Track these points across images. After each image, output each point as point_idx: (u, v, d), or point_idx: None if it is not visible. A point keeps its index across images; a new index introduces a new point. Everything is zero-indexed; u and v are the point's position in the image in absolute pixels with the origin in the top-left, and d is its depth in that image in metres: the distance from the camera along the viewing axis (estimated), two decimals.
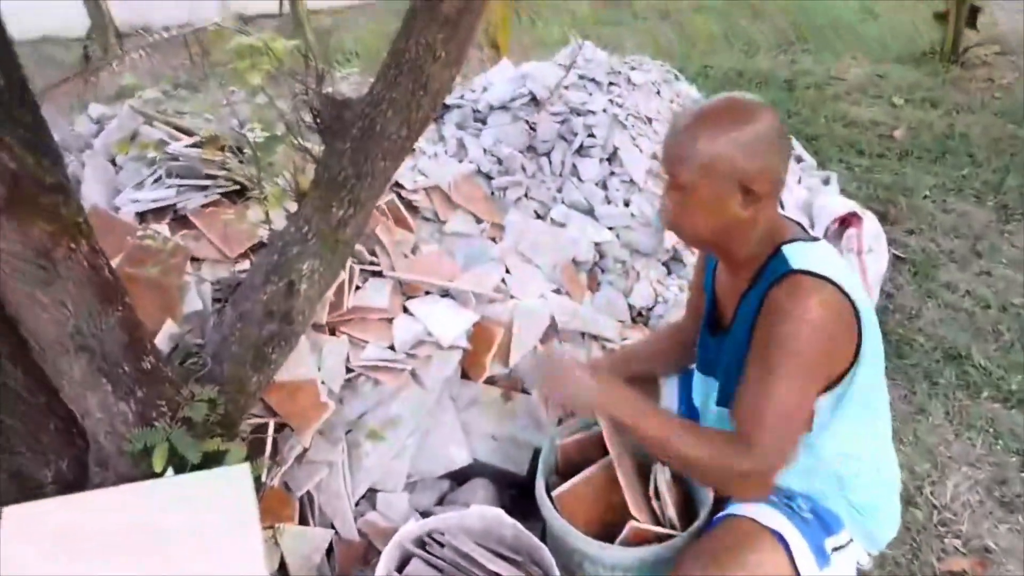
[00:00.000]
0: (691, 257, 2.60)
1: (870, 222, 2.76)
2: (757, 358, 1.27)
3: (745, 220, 1.30)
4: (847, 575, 1.39)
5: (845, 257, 2.57)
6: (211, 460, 1.41)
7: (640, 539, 1.53)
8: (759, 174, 1.26)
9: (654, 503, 1.62)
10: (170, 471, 1.36)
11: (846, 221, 2.72)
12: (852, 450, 1.38)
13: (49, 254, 1.17)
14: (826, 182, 3.35)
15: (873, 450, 1.43)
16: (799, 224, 1.42)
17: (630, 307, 2.53)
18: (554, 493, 1.63)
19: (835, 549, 1.35)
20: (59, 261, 1.19)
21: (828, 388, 1.31)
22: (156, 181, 2.15)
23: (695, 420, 1.61)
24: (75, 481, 1.45)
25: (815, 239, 1.38)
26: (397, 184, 2.53)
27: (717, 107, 1.31)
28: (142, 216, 2.07)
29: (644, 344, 1.96)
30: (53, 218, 1.15)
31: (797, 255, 1.28)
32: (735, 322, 1.40)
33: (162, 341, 1.66)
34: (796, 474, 1.37)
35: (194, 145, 2.18)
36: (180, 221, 2.07)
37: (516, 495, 1.93)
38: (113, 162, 2.33)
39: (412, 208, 2.54)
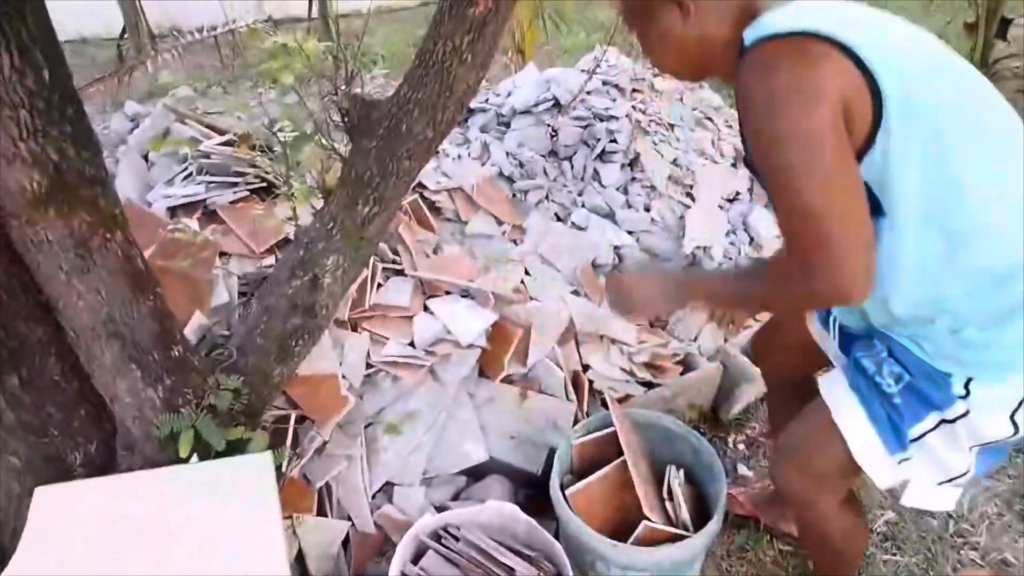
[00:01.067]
0: (710, 262, 2.61)
1: None
2: (765, 168, 1.06)
3: (695, 34, 1.15)
4: (966, 449, 1.21)
5: None
6: (234, 448, 1.45)
7: (653, 539, 1.55)
8: None
9: (667, 504, 1.64)
10: (195, 457, 1.40)
11: None
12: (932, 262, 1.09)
13: (87, 243, 1.21)
14: None
15: (985, 247, 1.09)
16: None
17: None
18: (568, 492, 1.65)
19: (929, 431, 1.21)
20: (95, 250, 1.23)
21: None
22: (187, 177, 2.21)
23: None
24: (103, 465, 1.49)
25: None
26: (420, 185, 2.56)
27: None
28: (173, 211, 2.13)
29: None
30: (92, 209, 1.19)
31: (757, 30, 1.08)
32: None
33: (190, 332, 1.71)
34: (885, 307, 1.17)
35: (225, 143, 2.23)
36: (209, 216, 2.12)
37: (530, 494, 1.95)
38: (146, 158, 2.39)
39: (434, 209, 2.58)
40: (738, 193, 2.83)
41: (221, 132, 2.37)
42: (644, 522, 1.54)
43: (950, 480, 1.27)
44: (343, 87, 1.52)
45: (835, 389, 1.30)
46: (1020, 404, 1.17)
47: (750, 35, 1.09)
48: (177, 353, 1.43)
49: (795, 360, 1.60)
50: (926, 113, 1.03)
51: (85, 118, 1.18)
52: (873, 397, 1.25)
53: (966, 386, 1.17)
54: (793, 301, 1.19)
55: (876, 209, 1.07)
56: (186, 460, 1.38)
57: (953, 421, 1.19)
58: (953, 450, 1.22)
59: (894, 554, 1.85)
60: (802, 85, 0.99)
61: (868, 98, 1.01)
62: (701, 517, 1.64)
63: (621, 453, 1.69)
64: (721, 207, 2.77)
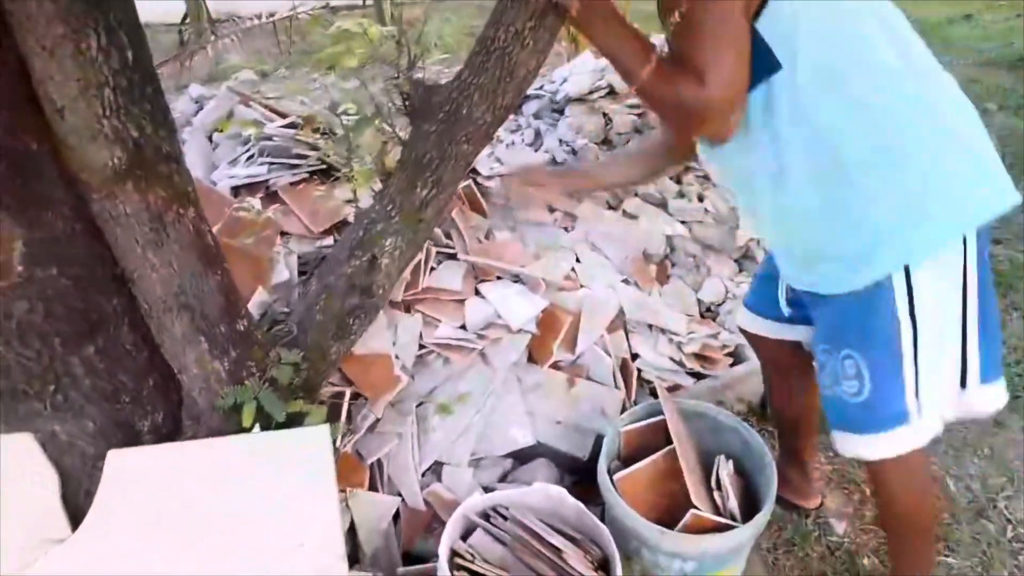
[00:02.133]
0: (763, 254, 2.57)
1: None
2: (680, 23, 1.15)
3: None
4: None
5: None
6: (293, 420, 1.50)
7: (700, 528, 1.55)
8: None
9: (715, 494, 1.63)
10: (256, 428, 1.45)
11: None
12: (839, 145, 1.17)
13: (161, 218, 1.27)
14: None
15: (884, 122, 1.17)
16: None
17: (699, 302, 2.53)
18: (616, 477, 1.65)
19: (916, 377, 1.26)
20: (169, 225, 1.29)
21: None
22: (249, 159, 2.27)
23: None
24: (169, 433, 1.55)
25: None
26: (473, 171, 2.59)
27: None
28: (236, 191, 2.19)
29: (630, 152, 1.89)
30: (167, 185, 1.24)
31: None
32: None
33: (253, 307, 1.76)
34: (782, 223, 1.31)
35: (288, 125, 2.29)
36: (271, 197, 2.18)
37: (576, 479, 1.97)
38: (210, 139, 2.47)
39: (487, 194, 2.60)
40: None
41: (283, 115, 2.43)
42: (692, 510, 1.54)
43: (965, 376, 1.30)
44: (405, 71, 1.54)
45: (844, 442, 1.40)
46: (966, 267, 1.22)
47: None
48: (242, 327, 1.48)
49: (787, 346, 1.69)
50: None
51: (163, 97, 1.23)
52: (858, 415, 1.34)
53: (907, 279, 1.20)
54: (669, 106, 1.21)
55: (771, 65, 1.16)
56: (249, 430, 1.43)
57: (915, 354, 1.25)
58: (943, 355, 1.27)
59: (947, 556, 1.82)
60: None
61: None
62: (748, 509, 1.63)
63: (668, 442, 1.69)
64: None
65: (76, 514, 1.41)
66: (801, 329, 1.60)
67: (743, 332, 1.77)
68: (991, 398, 1.32)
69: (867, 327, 1.27)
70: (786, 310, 1.57)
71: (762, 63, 1.15)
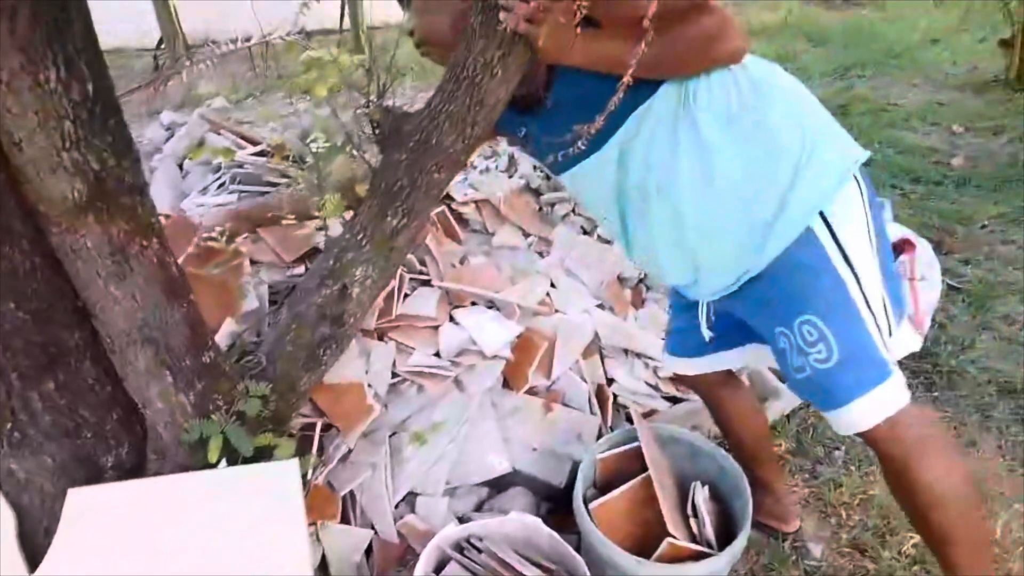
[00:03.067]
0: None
1: (924, 249, 2.69)
2: None
3: None
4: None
5: None
6: (262, 454, 1.47)
7: (676, 556, 1.54)
8: None
9: (691, 521, 1.62)
10: (223, 462, 1.42)
11: (899, 247, 2.67)
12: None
13: (124, 250, 1.24)
14: None
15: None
16: None
17: None
18: (592, 506, 1.64)
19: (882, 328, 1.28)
20: (132, 257, 1.27)
21: None
22: (220, 186, 2.25)
23: None
24: (133, 468, 1.51)
25: None
26: (448, 196, 2.59)
27: None
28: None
29: None
30: (130, 217, 1.22)
31: None
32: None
33: (221, 338, 1.74)
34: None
35: (259, 153, 2.27)
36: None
37: (552, 507, 1.95)
38: (180, 167, 2.44)
39: (461, 220, 2.60)
40: None
41: (254, 142, 2.42)
42: (668, 539, 1.53)
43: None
44: (375, 99, 1.54)
45: (839, 420, 1.32)
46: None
47: None
48: (208, 359, 1.45)
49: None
50: None
51: (126, 128, 1.21)
52: (840, 383, 1.28)
53: (826, 224, 1.24)
54: (694, 47, 1.20)
55: None
56: (215, 465, 1.40)
57: (865, 298, 1.26)
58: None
59: None
60: None
61: None
62: (725, 535, 1.62)
63: (645, 468, 1.68)
64: None
65: (34, 554, 1.37)
66: (730, 354, 1.61)
67: (678, 378, 1.78)
68: (907, 340, 1.36)
69: (811, 287, 1.27)
70: (708, 335, 1.55)
71: None
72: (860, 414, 1.28)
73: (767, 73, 1.28)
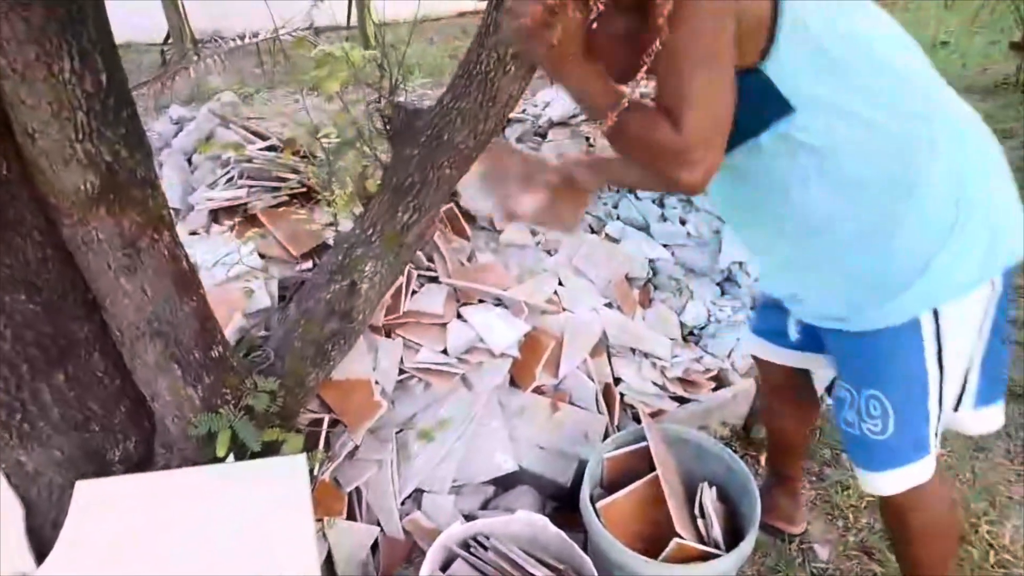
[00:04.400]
0: (746, 279, 2.58)
1: None
2: (660, 59, 1.06)
3: (610, 23, 1.11)
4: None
5: None
6: (269, 449, 1.46)
7: (684, 557, 1.53)
8: None
9: (699, 521, 1.62)
10: (231, 457, 1.42)
11: None
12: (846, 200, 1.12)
13: (135, 243, 1.24)
14: None
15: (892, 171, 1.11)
16: None
17: (682, 325, 2.52)
18: (599, 505, 1.63)
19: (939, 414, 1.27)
20: (143, 250, 1.26)
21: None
22: (229, 181, 2.24)
23: None
24: (141, 461, 1.51)
25: None
26: (456, 193, 2.58)
27: None
28: (215, 213, 2.16)
29: None
30: (142, 209, 1.22)
31: None
32: None
33: (230, 333, 1.73)
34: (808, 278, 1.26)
35: (268, 148, 2.27)
36: (250, 220, 2.15)
37: (559, 505, 1.94)
38: (189, 161, 2.44)
39: (470, 217, 2.59)
40: None
41: (264, 137, 2.41)
42: (675, 539, 1.52)
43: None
44: (387, 95, 1.53)
45: (866, 480, 1.37)
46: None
47: None
48: (217, 353, 1.45)
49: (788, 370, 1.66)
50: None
51: (138, 121, 1.21)
52: (881, 453, 1.32)
53: (936, 321, 1.18)
54: (648, 152, 1.10)
55: (782, 108, 1.08)
56: (222, 459, 1.40)
57: (940, 392, 1.24)
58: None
59: None
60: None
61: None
62: (733, 536, 1.62)
63: (652, 468, 1.68)
64: None
65: (42, 546, 1.37)
66: (811, 356, 1.55)
67: (752, 356, 1.74)
68: (984, 420, 1.33)
69: (894, 368, 1.25)
70: (795, 336, 1.51)
71: (772, 107, 1.09)
72: (888, 482, 1.33)
73: (951, 120, 1.13)
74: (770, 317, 1.59)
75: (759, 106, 1.08)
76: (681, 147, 1.01)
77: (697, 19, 1.01)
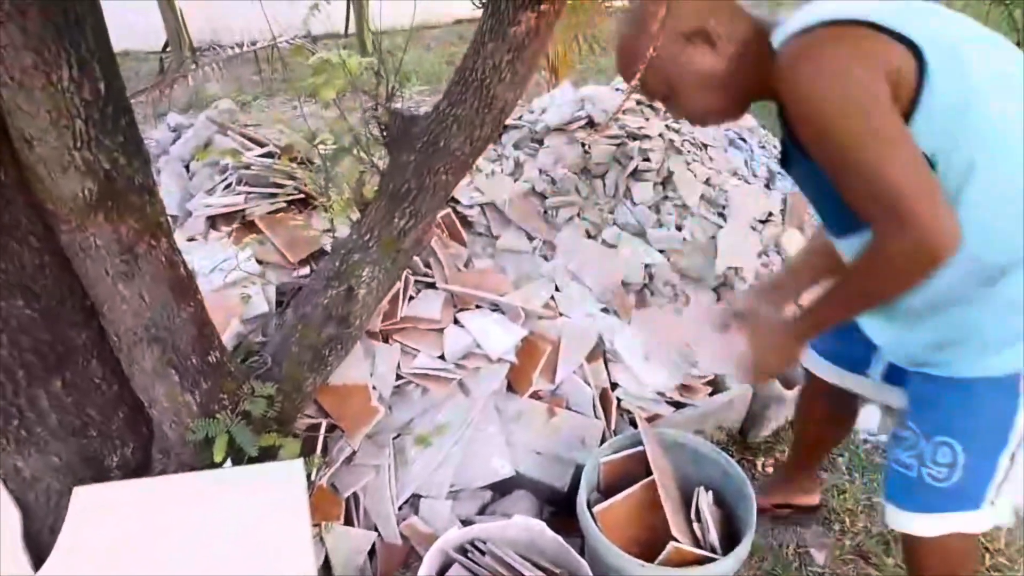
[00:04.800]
0: (741, 283, 2.59)
1: None
2: (823, 156, 1.05)
3: (729, 63, 1.15)
4: None
5: None
6: (267, 454, 1.47)
7: (680, 561, 1.54)
8: (693, 18, 1.12)
9: (695, 525, 1.62)
10: (228, 462, 1.42)
11: None
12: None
13: (133, 249, 1.25)
14: None
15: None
16: None
17: None
18: (596, 509, 1.64)
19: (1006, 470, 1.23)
20: (141, 256, 1.27)
21: None
22: (227, 187, 2.25)
23: None
24: (138, 467, 1.52)
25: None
26: (453, 199, 2.59)
27: (625, 16, 1.22)
28: (212, 220, 2.17)
29: (807, 250, 1.59)
30: (140, 216, 1.23)
31: (783, 33, 1.09)
32: (793, 149, 1.18)
33: (227, 339, 1.74)
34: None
35: (266, 155, 2.28)
36: (247, 226, 2.16)
37: (556, 510, 1.95)
38: (187, 168, 2.45)
39: (467, 223, 2.60)
40: (771, 214, 2.81)
41: (261, 144, 2.43)
42: (672, 543, 1.52)
43: None
44: (383, 102, 1.54)
45: (900, 518, 1.33)
46: None
47: (778, 39, 1.10)
48: (214, 359, 1.46)
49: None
50: (966, 74, 1.02)
51: (136, 128, 1.22)
52: (931, 497, 1.27)
53: None
54: (900, 271, 1.05)
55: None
56: (220, 465, 1.40)
57: (1017, 447, 1.21)
58: None
59: None
60: (854, 54, 1.00)
61: (912, 63, 1.00)
62: (729, 540, 1.62)
63: (649, 473, 1.68)
64: (753, 228, 2.75)
65: (39, 552, 1.37)
66: (887, 388, 1.49)
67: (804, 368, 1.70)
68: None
69: (979, 419, 1.22)
70: (879, 371, 1.48)
71: None
72: (926, 524, 1.30)
73: None
74: (847, 343, 1.51)
75: None
76: (917, 239, 0.98)
77: (862, 106, 0.98)
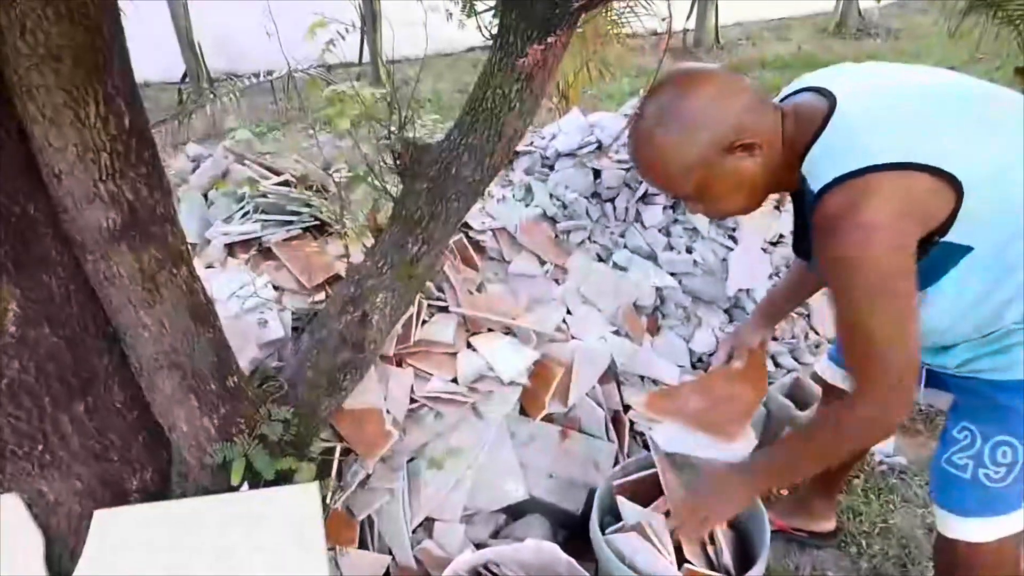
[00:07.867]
0: (753, 304, 2.60)
1: None
2: (834, 296, 1.14)
3: (765, 164, 1.17)
4: None
5: None
6: (283, 477, 1.49)
7: None
8: (734, 130, 1.13)
9: (709, 548, 1.62)
10: (245, 485, 1.44)
11: None
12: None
13: (154, 278, 1.29)
14: None
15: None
16: (816, 91, 1.20)
17: (690, 352, 2.54)
18: (608, 533, 1.64)
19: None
20: (162, 284, 1.31)
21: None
22: (244, 216, 2.30)
23: None
24: (157, 491, 1.54)
25: (831, 113, 1.13)
26: (465, 224, 2.63)
27: (651, 116, 1.17)
28: (230, 247, 2.22)
29: (782, 284, 1.72)
30: (161, 245, 1.27)
31: (817, 167, 1.12)
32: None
33: (245, 364, 1.77)
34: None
35: (282, 183, 2.33)
36: (264, 253, 2.20)
37: (569, 534, 1.95)
38: (205, 197, 2.51)
39: (479, 248, 2.63)
40: (781, 236, 2.83)
41: (278, 173, 2.48)
42: (685, 566, 1.52)
43: None
44: (396, 131, 1.58)
45: (962, 526, 1.34)
46: None
47: (811, 169, 1.14)
48: (232, 384, 1.49)
49: None
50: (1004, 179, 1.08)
51: (159, 160, 1.26)
52: (988, 499, 1.28)
53: None
54: (863, 431, 1.22)
55: (962, 252, 1.11)
56: (237, 488, 1.42)
57: None
58: None
59: None
60: (889, 223, 1.04)
61: (947, 189, 1.05)
62: (743, 563, 1.62)
63: (662, 494, 1.69)
64: (764, 250, 2.77)
65: (61, 574, 1.40)
66: (933, 392, 1.46)
67: (820, 381, 1.72)
68: None
69: None
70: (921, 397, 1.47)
71: (952, 256, 1.11)
72: (974, 529, 1.31)
73: None
74: None
75: (939, 263, 1.12)
76: (887, 411, 1.14)
77: (881, 280, 1.06)
